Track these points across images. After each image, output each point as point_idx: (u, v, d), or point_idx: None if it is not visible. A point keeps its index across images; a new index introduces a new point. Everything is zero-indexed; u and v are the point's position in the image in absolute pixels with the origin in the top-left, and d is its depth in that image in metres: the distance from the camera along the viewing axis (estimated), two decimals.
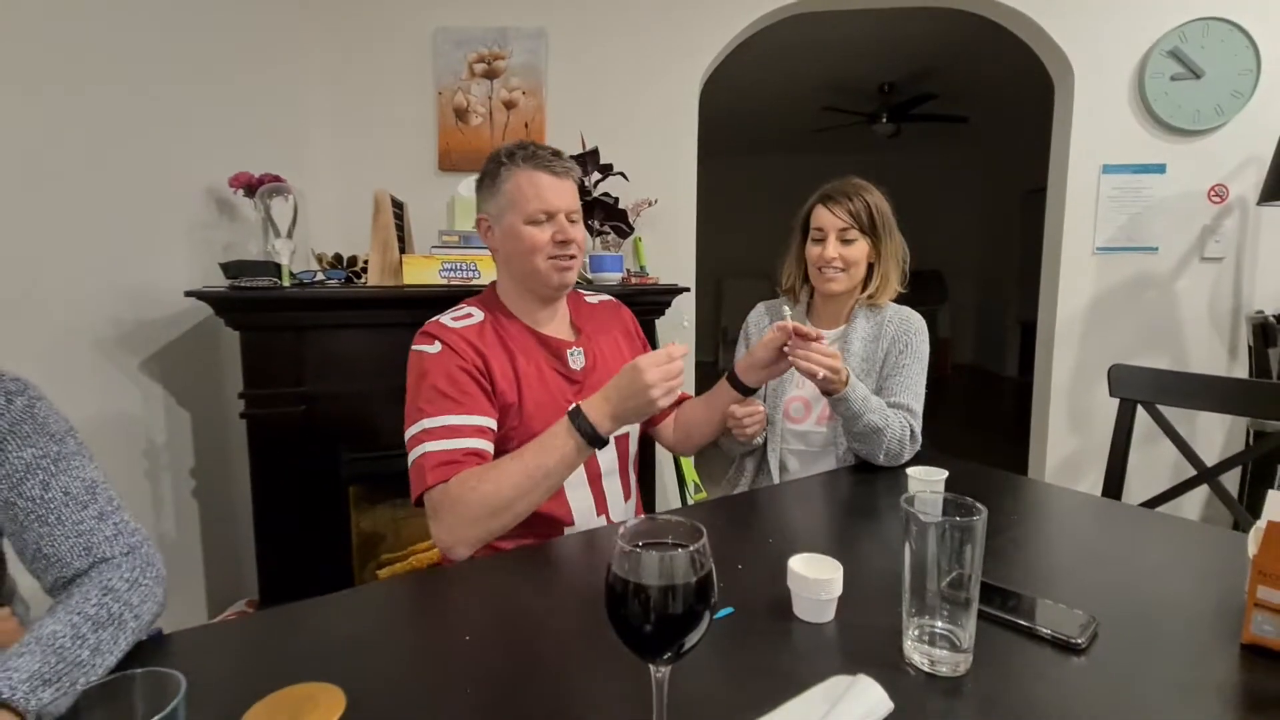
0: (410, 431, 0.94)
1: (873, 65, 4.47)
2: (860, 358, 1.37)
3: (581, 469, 1.07)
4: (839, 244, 1.34)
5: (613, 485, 1.13)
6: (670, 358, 0.88)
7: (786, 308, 1.26)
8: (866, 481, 1.22)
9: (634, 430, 1.20)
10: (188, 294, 1.49)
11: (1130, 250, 2.27)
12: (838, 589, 0.70)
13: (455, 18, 2.30)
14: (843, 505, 1.12)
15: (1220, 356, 2.29)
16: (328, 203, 2.27)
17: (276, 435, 1.63)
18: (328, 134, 2.30)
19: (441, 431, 0.92)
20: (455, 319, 1.05)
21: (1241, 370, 2.27)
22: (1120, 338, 2.32)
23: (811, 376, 1.10)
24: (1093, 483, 2.37)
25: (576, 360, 1.11)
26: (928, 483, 1.01)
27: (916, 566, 0.64)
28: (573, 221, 1.07)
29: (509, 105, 2.32)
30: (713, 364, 7.44)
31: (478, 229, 1.13)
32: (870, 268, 1.40)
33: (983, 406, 5.83)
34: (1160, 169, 2.22)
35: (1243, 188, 2.22)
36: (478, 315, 1.07)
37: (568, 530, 1.06)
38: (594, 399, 0.91)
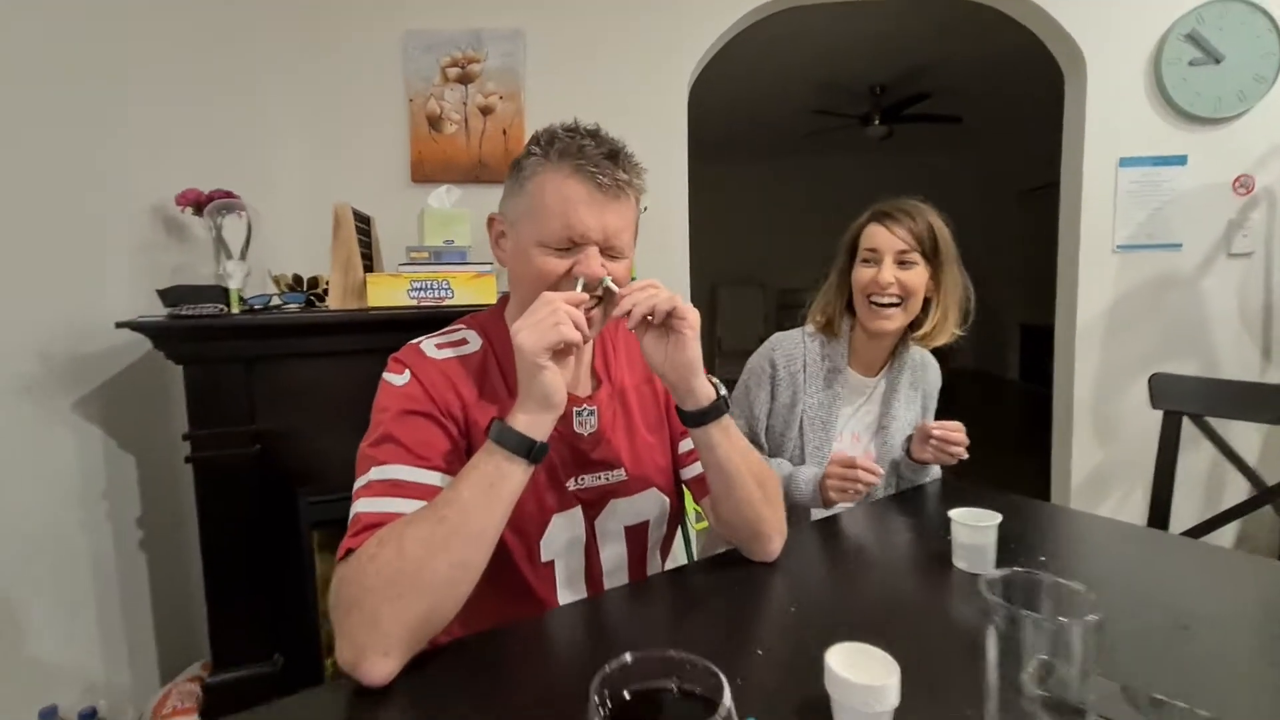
0: (356, 484, 0.75)
1: (863, 66, 4.36)
2: (904, 405, 1.21)
3: (579, 567, 0.87)
4: (896, 268, 1.14)
5: (619, 584, 0.90)
6: (545, 302, 0.70)
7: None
8: (899, 524, 1.06)
9: (656, 511, 0.92)
10: (119, 325, 1.32)
11: (1151, 248, 2.13)
12: (894, 698, 0.54)
13: (426, 20, 2.15)
14: (878, 558, 0.95)
15: (1253, 360, 2.14)
16: (291, 220, 2.10)
17: (227, 479, 1.45)
18: (291, 146, 2.14)
19: (384, 487, 0.71)
20: (441, 345, 0.83)
21: (1277, 373, 2.13)
22: (1143, 342, 2.17)
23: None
24: (1120, 499, 2.22)
25: (585, 423, 0.86)
26: (976, 529, 0.85)
27: (1004, 674, 0.47)
28: (613, 255, 0.78)
29: (485, 111, 2.17)
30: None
31: (488, 229, 0.87)
32: (926, 303, 1.18)
33: (986, 412, 5.69)
34: (1181, 160, 2.09)
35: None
36: (473, 342, 0.85)
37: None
38: None
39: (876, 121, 5.01)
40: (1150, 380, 1.47)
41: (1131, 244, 2.12)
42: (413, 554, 0.64)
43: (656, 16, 2.13)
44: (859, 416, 1.23)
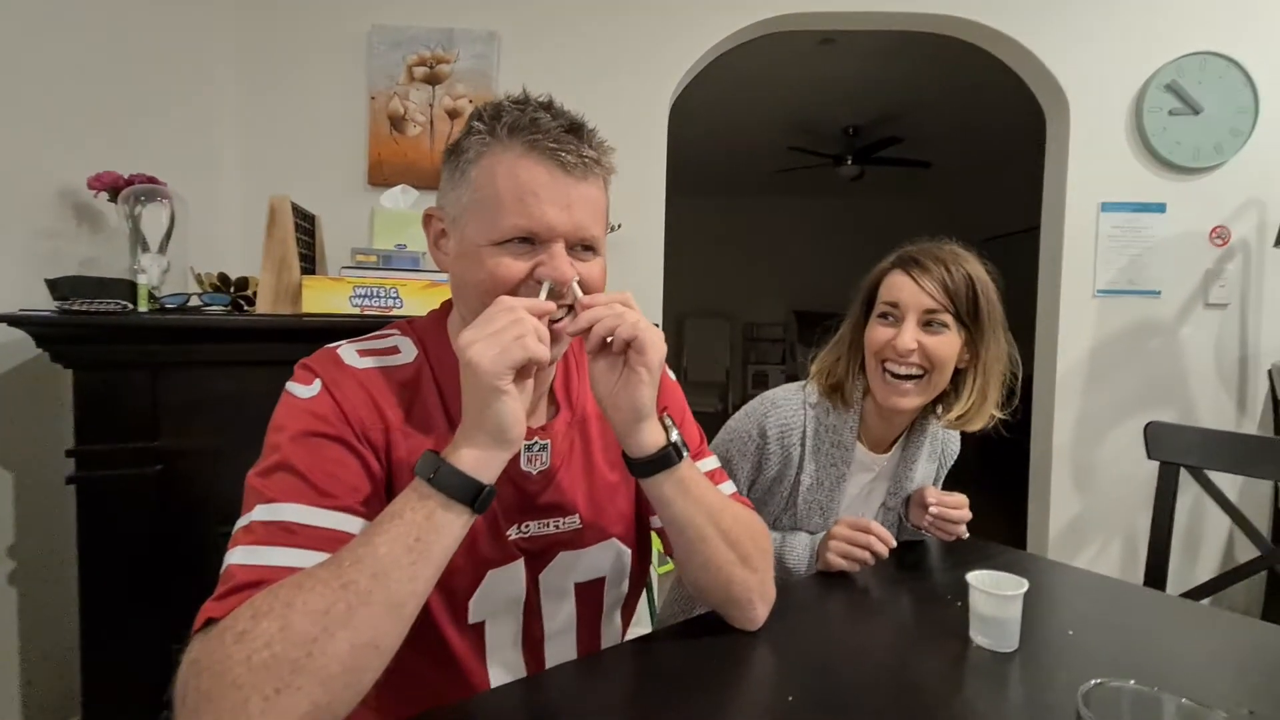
0: (238, 523, 0.58)
1: (838, 107, 4.40)
2: (918, 483, 1.06)
3: (514, 630, 0.71)
4: (920, 330, 0.92)
5: (564, 649, 0.75)
6: (505, 309, 0.56)
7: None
8: (902, 584, 0.93)
9: (613, 567, 0.77)
10: None
11: (1132, 294, 2.10)
12: None
13: (394, 15, 2.02)
14: (883, 629, 0.82)
15: (1228, 410, 2.11)
16: (230, 217, 1.92)
17: (118, 504, 1.24)
18: (239, 139, 1.97)
19: (270, 531, 0.55)
20: (365, 351, 0.68)
21: (1251, 425, 2.10)
22: (1121, 389, 2.12)
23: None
24: (1098, 550, 2.14)
25: (536, 458, 0.71)
26: (1000, 600, 0.72)
27: None
28: (583, 252, 0.65)
29: (452, 114, 2.04)
30: None
31: (425, 229, 0.72)
32: (956, 376, 0.97)
33: None
34: (1160, 208, 2.07)
35: (1244, 230, 2.08)
36: (406, 352, 0.70)
37: None
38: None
39: (849, 162, 5.05)
40: (1146, 429, 1.39)
41: (1112, 289, 2.09)
42: (302, 631, 0.48)
43: (638, 30, 2.04)
44: (861, 495, 1.07)
